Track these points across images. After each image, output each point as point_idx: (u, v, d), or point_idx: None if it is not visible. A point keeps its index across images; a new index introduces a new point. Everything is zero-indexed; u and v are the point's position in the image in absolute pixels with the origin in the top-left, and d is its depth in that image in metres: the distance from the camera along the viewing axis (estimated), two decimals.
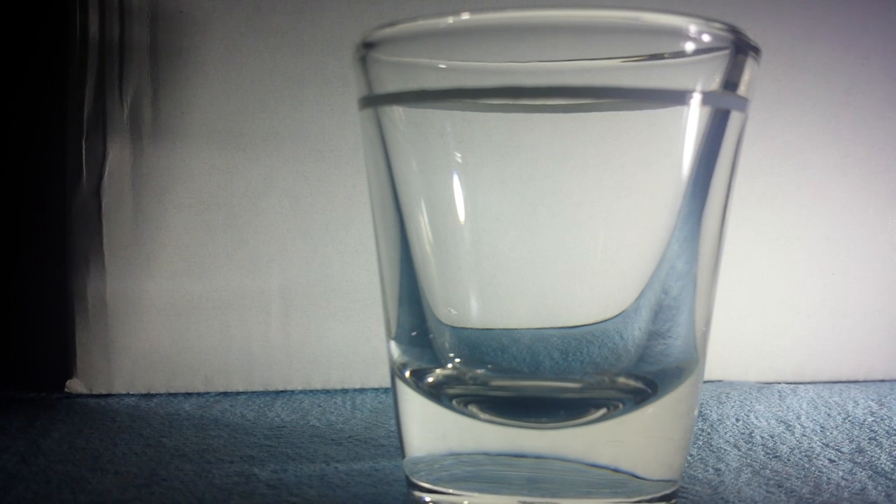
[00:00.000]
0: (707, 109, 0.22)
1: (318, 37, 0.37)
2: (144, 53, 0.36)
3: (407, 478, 0.24)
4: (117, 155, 0.36)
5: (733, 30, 0.22)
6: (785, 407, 0.34)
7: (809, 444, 0.30)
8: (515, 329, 0.23)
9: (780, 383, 0.38)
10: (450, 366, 0.23)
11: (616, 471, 0.22)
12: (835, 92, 0.39)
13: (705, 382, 0.37)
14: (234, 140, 0.37)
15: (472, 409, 0.23)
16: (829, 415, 0.33)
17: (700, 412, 0.33)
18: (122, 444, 0.29)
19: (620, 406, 0.22)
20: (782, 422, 0.32)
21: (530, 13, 0.21)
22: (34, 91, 0.40)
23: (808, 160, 0.39)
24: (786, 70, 0.39)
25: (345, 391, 0.37)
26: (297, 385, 0.37)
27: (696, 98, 0.21)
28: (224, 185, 0.37)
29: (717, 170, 0.22)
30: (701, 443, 0.30)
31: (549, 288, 0.23)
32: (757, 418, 0.32)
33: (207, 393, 0.37)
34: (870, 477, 0.26)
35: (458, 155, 0.23)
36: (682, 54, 0.21)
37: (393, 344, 0.24)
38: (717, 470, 0.27)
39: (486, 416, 0.22)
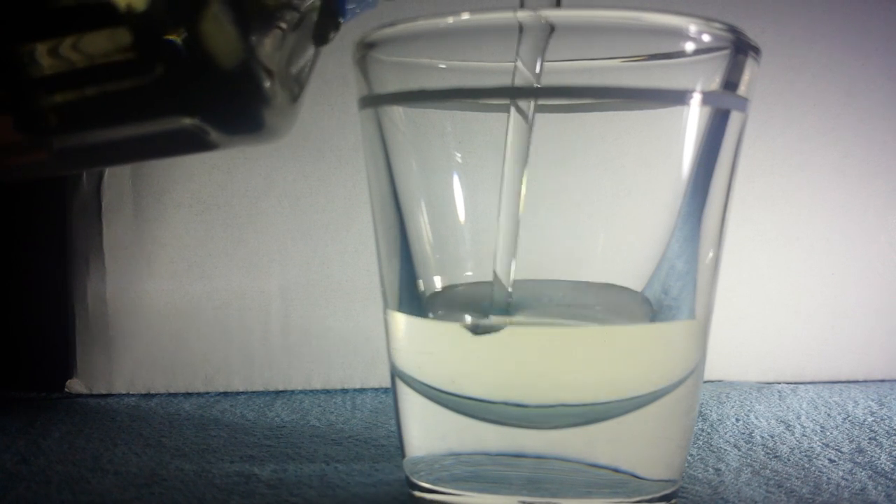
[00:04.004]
0: (707, 109, 0.22)
1: None
2: None
3: (407, 478, 0.24)
4: None
5: (733, 30, 0.22)
6: (785, 407, 0.34)
7: (809, 444, 0.30)
8: None
9: (780, 383, 0.38)
10: None
11: (616, 471, 0.22)
12: (835, 92, 0.39)
13: (705, 382, 0.37)
14: None
15: None
16: (829, 415, 0.33)
17: (700, 412, 0.33)
18: (122, 444, 0.29)
19: None
20: (782, 422, 0.32)
21: (530, 13, 0.21)
22: None
23: (808, 160, 0.39)
24: (786, 70, 0.39)
25: (345, 391, 0.37)
26: (297, 385, 0.37)
27: (696, 98, 0.21)
28: (224, 185, 0.37)
29: (717, 170, 0.22)
30: (701, 443, 0.30)
31: None
32: (757, 418, 0.32)
33: (207, 393, 0.37)
34: (870, 477, 0.26)
35: (458, 155, 0.23)
36: (682, 54, 0.21)
37: (393, 347, 0.24)
38: (717, 470, 0.27)
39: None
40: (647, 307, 0.22)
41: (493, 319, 0.22)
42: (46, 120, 0.21)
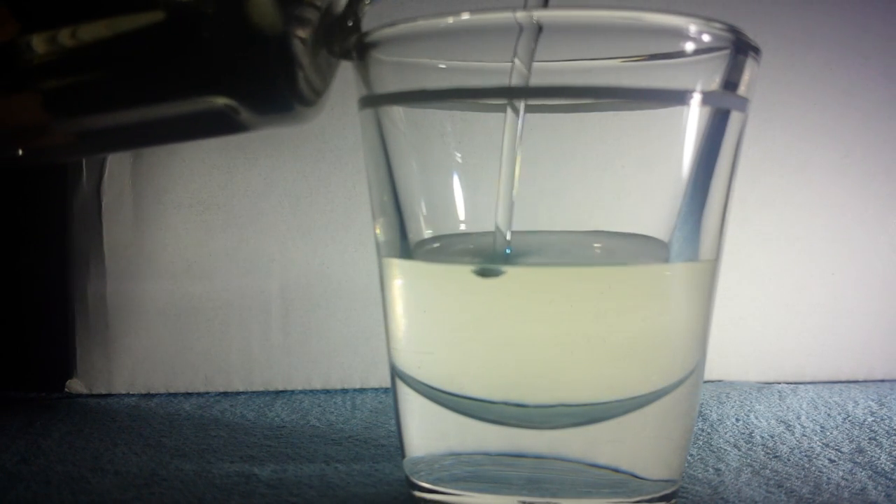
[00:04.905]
0: (707, 109, 0.22)
1: None
2: None
3: (407, 478, 0.24)
4: (117, 155, 0.36)
5: (733, 30, 0.22)
6: (785, 407, 0.34)
7: (809, 444, 0.30)
8: None
9: (780, 383, 0.38)
10: None
11: (616, 471, 0.22)
12: (835, 92, 0.39)
13: (705, 382, 0.37)
14: (234, 140, 0.37)
15: None
16: (829, 415, 0.33)
17: (700, 412, 0.33)
18: (122, 444, 0.29)
19: None
20: (782, 422, 0.32)
21: (531, 13, 0.21)
22: None
23: (808, 160, 0.39)
24: (786, 70, 0.39)
25: (345, 391, 0.37)
26: (297, 385, 0.37)
27: (697, 98, 0.21)
28: (224, 185, 0.37)
29: (717, 170, 0.22)
30: (701, 443, 0.30)
31: None
32: (757, 418, 0.32)
33: (207, 393, 0.37)
34: (870, 477, 0.26)
35: (458, 155, 0.23)
36: (682, 54, 0.21)
37: (393, 346, 0.24)
38: (717, 470, 0.27)
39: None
40: (663, 251, 0.22)
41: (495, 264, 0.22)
42: (77, 99, 0.21)
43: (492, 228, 0.23)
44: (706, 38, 0.21)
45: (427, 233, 0.23)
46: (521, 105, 0.22)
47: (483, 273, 0.22)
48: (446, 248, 0.23)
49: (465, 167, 0.23)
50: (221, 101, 0.21)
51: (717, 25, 0.21)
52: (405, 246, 0.23)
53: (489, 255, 0.22)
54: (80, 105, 0.21)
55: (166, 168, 0.36)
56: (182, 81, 0.21)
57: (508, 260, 0.22)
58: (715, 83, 0.22)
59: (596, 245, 0.23)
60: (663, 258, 0.22)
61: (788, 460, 0.28)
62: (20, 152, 0.22)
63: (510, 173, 0.22)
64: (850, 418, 0.33)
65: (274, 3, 0.20)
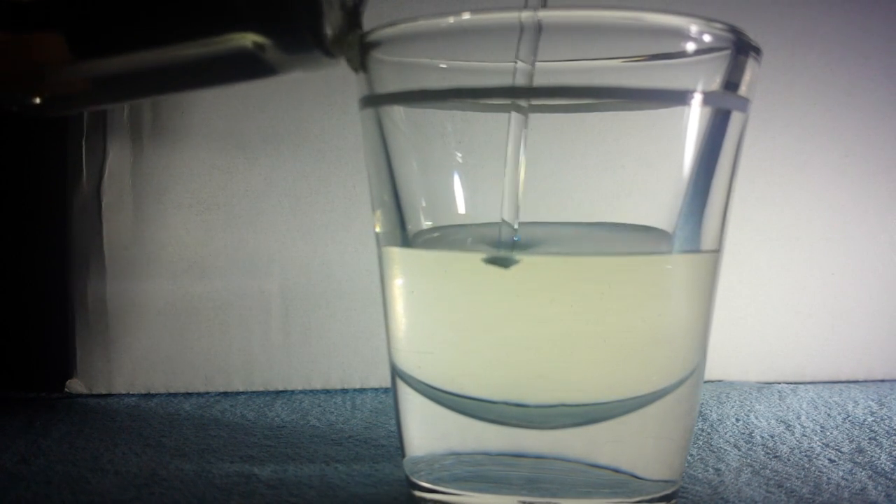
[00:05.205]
0: (708, 110, 0.22)
1: None
2: None
3: (407, 478, 0.24)
4: (117, 155, 0.36)
5: (734, 30, 0.22)
6: (785, 407, 0.34)
7: (809, 444, 0.30)
8: None
9: (780, 383, 0.39)
10: None
11: (616, 471, 0.22)
12: (835, 92, 0.39)
13: (705, 382, 0.37)
14: (234, 140, 0.37)
15: None
16: (829, 415, 0.33)
17: (700, 412, 0.33)
18: (122, 444, 0.29)
19: None
20: (782, 422, 0.32)
21: (531, 13, 0.21)
22: None
23: (809, 160, 0.39)
24: (786, 70, 0.39)
25: (345, 391, 0.37)
26: (297, 385, 0.37)
27: (697, 98, 0.21)
28: (224, 185, 0.37)
29: (718, 170, 0.22)
30: (701, 443, 0.30)
31: None
32: (757, 418, 0.32)
33: (207, 393, 0.37)
34: (870, 477, 0.26)
35: (459, 155, 0.23)
36: (683, 54, 0.21)
37: (393, 346, 0.24)
38: (717, 470, 0.27)
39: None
40: (665, 242, 0.22)
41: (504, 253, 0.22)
42: (102, 39, 0.20)
43: (491, 231, 0.23)
44: (707, 38, 0.21)
45: (426, 225, 0.23)
46: (526, 105, 0.22)
47: (499, 262, 0.21)
48: (445, 238, 0.23)
49: (466, 167, 0.23)
50: (249, 37, 0.21)
51: (718, 26, 0.21)
52: (404, 237, 0.23)
53: (495, 243, 0.22)
54: (105, 45, 0.20)
55: (166, 168, 0.36)
56: (208, 16, 0.20)
57: (512, 248, 0.22)
58: (716, 83, 0.22)
59: (598, 236, 0.23)
60: (666, 248, 0.22)
61: (788, 460, 0.28)
62: (37, 101, 0.22)
63: (514, 172, 0.22)
64: (850, 418, 0.33)
65: None
